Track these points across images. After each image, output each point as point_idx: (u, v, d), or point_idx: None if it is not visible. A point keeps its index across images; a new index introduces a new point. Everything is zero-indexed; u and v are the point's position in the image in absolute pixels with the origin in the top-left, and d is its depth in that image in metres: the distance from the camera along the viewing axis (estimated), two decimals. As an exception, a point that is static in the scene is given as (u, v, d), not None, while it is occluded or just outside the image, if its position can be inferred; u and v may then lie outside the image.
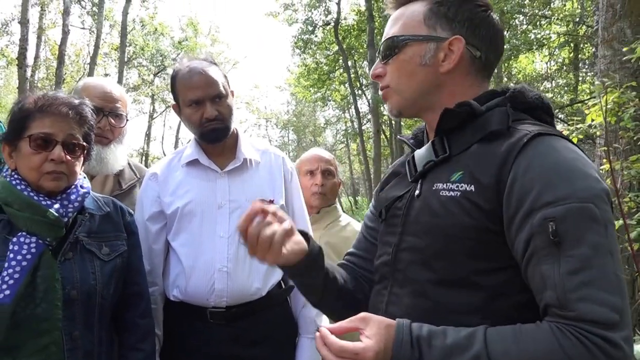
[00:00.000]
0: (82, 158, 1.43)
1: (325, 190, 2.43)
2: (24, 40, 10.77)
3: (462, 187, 0.94)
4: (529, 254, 0.86)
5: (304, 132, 31.39)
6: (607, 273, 0.81)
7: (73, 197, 1.40)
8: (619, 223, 2.38)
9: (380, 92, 1.14)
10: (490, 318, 0.89)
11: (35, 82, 15.85)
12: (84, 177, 1.49)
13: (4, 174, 1.41)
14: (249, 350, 1.71)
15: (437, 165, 1.03)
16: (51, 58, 17.42)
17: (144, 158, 22.05)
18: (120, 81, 15.63)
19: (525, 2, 10.53)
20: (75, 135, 1.39)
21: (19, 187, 1.34)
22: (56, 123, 1.35)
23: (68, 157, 1.36)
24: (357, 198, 26.55)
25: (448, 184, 0.97)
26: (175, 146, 23.61)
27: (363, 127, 18.52)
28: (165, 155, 22.19)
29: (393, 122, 17.20)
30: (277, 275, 1.81)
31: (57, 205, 1.36)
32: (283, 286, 1.86)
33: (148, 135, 24.18)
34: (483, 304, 0.91)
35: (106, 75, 18.91)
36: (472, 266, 0.92)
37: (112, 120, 1.89)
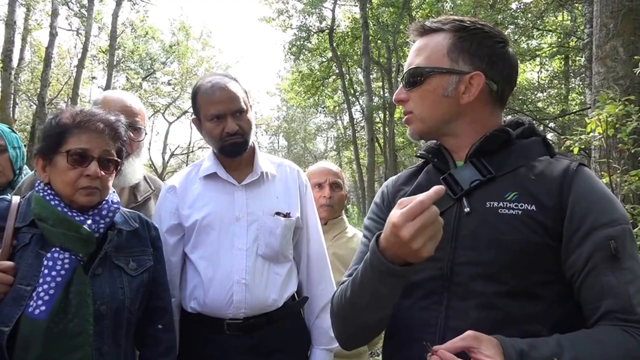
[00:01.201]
0: (114, 173, 1.44)
1: (333, 202, 2.47)
2: (9, 42, 10.49)
3: (522, 206, 1.03)
4: (590, 267, 0.99)
5: (295, 139, 31.27)
6: None
7: (104, 212, 1.41)
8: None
9: (403, 117, 1.22)
10: (548, 325, 0.99)
11: (19, 84, 15.48)
12: (114, 192, 1.50)
13: (37, 189, 1.41)
14: (265, 360, 1.72)
15: (481, 184, 1.10)
16: (36, 60, 17.02)
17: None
18: (108, 85, 15.44)
19: (518, 14, 10.68)
20: (110, 151, 1.40)
21: (52, 203, 1.35)
22: (93, 139, 1.37)
23: (102, 172, 1.37)
24: (347, 206, 26.53)
25: (505, 202, 1.05)
26: (163, 152, 23.29)
27: (356, 135, 18.49)
28: (151, 160, 21.92)
29: (387, 130, 17.21)
30: (293, 287, 1.84)
31: (89, 221, 1.37)
32: (296, 298, 1.88)
33: (136, 140, 23.71)
34: (544, 313, 1.01)
35: (93, 78, 18.66)
36: (534, 278, 1.02)
37: (131, 134, 1.90)
